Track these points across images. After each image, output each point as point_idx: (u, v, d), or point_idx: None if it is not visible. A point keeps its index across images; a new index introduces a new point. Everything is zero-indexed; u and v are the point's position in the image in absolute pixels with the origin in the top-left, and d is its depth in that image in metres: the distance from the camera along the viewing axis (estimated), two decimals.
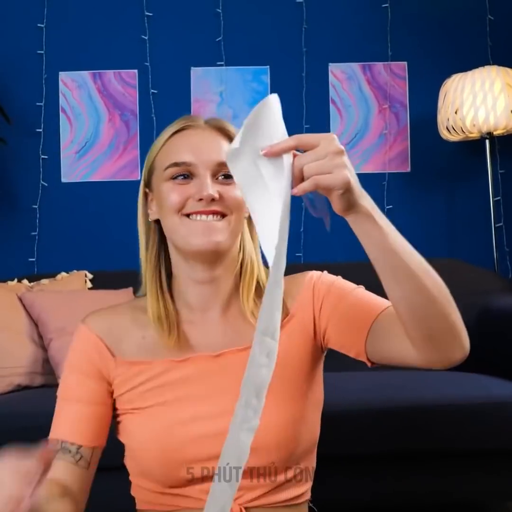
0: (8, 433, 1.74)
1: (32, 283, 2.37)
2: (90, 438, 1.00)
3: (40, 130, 2.83)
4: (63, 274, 2.45)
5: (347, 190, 0.78)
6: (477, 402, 1.78)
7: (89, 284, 2.45)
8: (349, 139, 2.91)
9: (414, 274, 0.85)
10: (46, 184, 2.82)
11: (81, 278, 2.44)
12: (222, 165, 0.98)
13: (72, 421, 1.00)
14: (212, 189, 0.96)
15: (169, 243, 1.04)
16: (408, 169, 2.92)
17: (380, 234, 0.83)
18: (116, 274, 2.43)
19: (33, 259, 2.79)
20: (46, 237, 2.81)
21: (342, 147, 0.78)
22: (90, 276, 2.47)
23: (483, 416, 1.77)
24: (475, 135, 2.63)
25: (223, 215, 0.98)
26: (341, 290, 1.03)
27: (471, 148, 2.85)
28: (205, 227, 0.96)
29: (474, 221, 2.87)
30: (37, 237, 2.80)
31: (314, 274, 1.07)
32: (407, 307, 0.86)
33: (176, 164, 0.99)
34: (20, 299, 2.22)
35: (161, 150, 1.02)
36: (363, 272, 2.54)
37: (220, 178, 0.99)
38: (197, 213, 0.97)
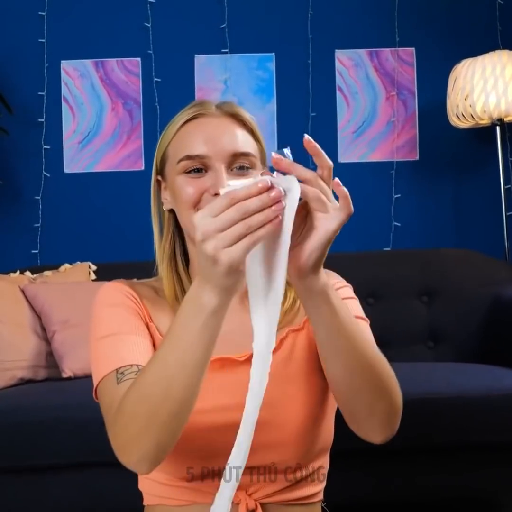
0: (11, 427, 1.72)
1: (35, 275, 2.34)
2: None
3: (42, 120, 2.80)
4: (67, 265, 2.43)
5: (333, 235, 0.75)
6: (489, 393, 1.76)
7: (93, 276, 2.42)
8: (356, 127, 2.87)
9: (355, 359, 0.84)
10: (48, 175, 2.80)
11: (84, 270, 2.41)
12: (236, 156, 0.96)
13: (137, 348, 0.93)
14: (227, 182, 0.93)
15: (185, 233, 1.03)
16: (417, 157, 2.88)
17: (333, 311, 0.81)
18: (120, 265, 2.41)
19: (36, 251, 2.77)
20: (49, 228, 2.79)
21: None
22: (93, 267, 2.44)
23: (495, 408, 1.75)
24: (485, 121, 2.58)
25: None
26: (351, 309, 0.99)
27: (481, 135, 2.82)
28: None
29: (484, 210, 2.84)
30: (40, 229, 2.78)
31: (339, 282, 1.06)
32: (335, 385, 0.88)
33: (189, 157, 0.96)
34: (23, 291, 2.20)
35: (173, 140, 1.00)
36: (367, 263, 2.52)
37: (235, 169, 0.96)
38: None
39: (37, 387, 1.99)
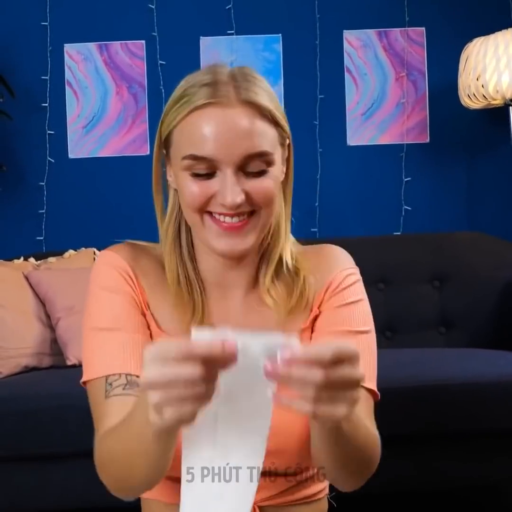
0: (15, 415, 1.71)
1: (39, 261, 2.32)
2: None
3: (46, 104, 2.76)
4: (71, 251, 2.41)
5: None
6: (502, 379, 1.74)
7: None
8: (365, 109, 2.81)
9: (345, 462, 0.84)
10: (53, 161, 2.76)
11: (89, 256, 2.39)
12: (250, 158, 0.83)
13: (131, 350, 0.87)
14: (236, 192, 0.83)
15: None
16: (427, 140, 2.83)
17: (339, 441, 0.78)
18: None
19: (41, 238, 2.74)
20: (53, 214, 2.75)
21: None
22: (98, 253, 2.41)
23: (508, 394, 1.73)
24: (498, 101, 2.52)
25: (251, 212, 0.86)
26: (350, 320, 0.92)
27: (494, 115, 2.76)
28: (230, 231, 0.85)
29: (497, 192, 2.79)
30: (44, 215, 2.75)
31: (350, 276, 0.95)
32: (314, 455, 0.88)
33: (195, 157, 0.83)
34: (27, 278, 2.17)
35: (180, 124, 0.85)
36: (377, 247, 2.48)
37: (248, 171, 0.84)
38: (221, 214, 0.85)
39: (41, 375, 1.99)
